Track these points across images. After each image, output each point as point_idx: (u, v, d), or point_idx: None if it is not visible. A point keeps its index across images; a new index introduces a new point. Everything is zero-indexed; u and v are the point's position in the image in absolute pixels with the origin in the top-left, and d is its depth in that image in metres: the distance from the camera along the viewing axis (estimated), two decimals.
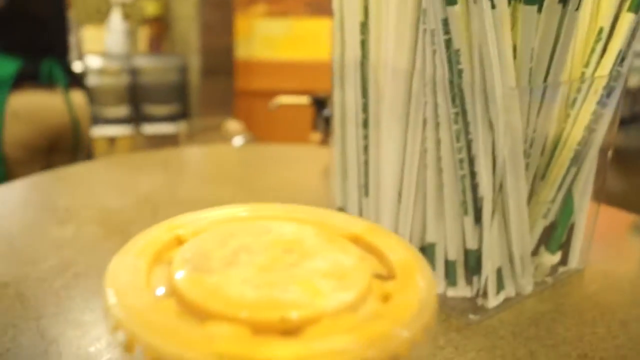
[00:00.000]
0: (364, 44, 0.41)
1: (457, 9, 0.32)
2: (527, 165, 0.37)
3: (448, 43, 0.34)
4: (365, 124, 0.42)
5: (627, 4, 0.36)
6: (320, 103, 1.04)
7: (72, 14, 1.60)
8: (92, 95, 2.02)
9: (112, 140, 2.37)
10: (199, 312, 0.19)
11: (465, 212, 0.37)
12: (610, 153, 0.42)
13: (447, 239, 0.38)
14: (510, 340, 0.36)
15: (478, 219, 0.36)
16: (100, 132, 2.30)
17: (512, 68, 0.33)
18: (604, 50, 0.37)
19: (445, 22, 0.33)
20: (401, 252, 0.23)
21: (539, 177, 0.39)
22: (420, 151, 0.38)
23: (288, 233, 0.23)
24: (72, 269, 0.44)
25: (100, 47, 2.48)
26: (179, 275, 0.20)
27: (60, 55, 1.43)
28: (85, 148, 1.50)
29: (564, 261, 0.44)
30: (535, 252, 0.41)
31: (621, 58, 0.37)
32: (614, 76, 0.38)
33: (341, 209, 0.47)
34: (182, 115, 2.47)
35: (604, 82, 0.37)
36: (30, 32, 1.34)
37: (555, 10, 0.33)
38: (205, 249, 0.22)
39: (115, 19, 2.49)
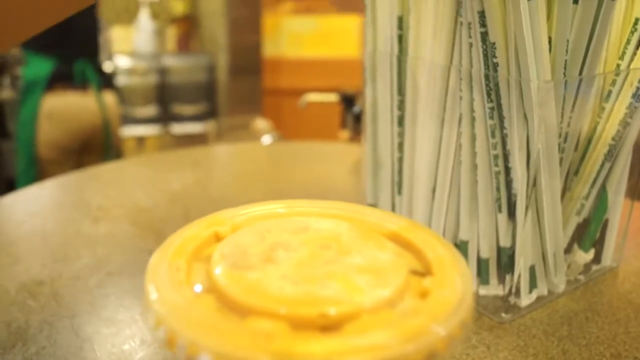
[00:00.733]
0: (401, 38, 0.40)
1: (494, 0, 0.32)
2: (560, 161, 0.36)
3: (484, 36, 0.33)
4: (401, 121, 0.42)
5: None
6: (349, 100, 1.03)
7: (101, 14, 1.62)
8: (121, 95, 2.05)
9: (140, 140, 2.40)
10: (239, 308, 0.19)
11: (499, 209, 0.36)
12: None
13: (479, 236, 0.38)
14: (543, 340, 0.36)
15: (511, 215, 0.36)
16: (129, 131, 2.32)
17: (548, 61, 0.33)
18: None
19: (482, 15, 0.33)
20: (438, 249, 0.23)
21: (572, 173, 0.39)
22: (455, 147, 0.38)
23: (325, 229, 0.24)
24: (105, 267, 0.45)
25: (128, 46, 2.51)
26: (218, 271, 0.20)
27: (92, 55, 1.45)
28: (115, 148, 1.52)
29: (597, 259, 0.43)
30: (568, 250, 0.40)
31: None
32: None
33: (372, 206, 0.47)
34: (210, 114, 2.49)
35: (639, 74, 0.37)
36: (63, 32, 1.36)
37: (592, 0, 0.33)
38: (244, 246, 0.22)
39: (144, 18, 2.52)
